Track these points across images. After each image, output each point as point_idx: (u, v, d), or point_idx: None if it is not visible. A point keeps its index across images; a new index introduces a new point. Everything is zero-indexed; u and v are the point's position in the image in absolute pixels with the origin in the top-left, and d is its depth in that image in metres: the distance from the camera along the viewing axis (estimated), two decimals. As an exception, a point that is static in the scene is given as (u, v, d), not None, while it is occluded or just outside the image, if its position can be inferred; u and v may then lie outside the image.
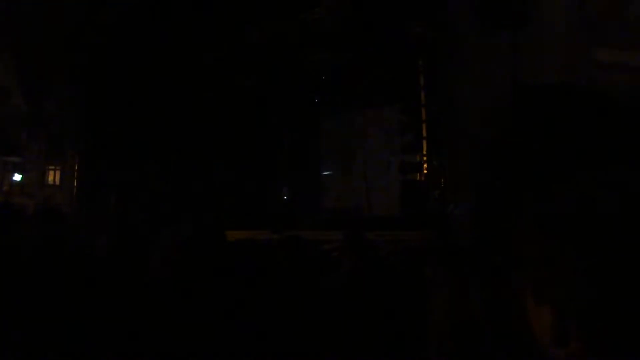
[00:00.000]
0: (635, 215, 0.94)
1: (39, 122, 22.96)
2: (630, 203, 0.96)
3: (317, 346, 3.08)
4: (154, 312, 3.14)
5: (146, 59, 17.89)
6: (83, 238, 3.99)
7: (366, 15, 15.54)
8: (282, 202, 20.99)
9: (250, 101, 21.18)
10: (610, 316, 0.92)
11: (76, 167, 20.73)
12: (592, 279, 0.93)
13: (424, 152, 15.52)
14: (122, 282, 3.43)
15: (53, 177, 24.31)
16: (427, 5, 14.39)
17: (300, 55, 19.27)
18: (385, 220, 17.74)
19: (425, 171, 15.57)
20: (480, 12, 9.76)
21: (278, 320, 3.18)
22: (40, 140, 23.79)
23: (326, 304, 3.58)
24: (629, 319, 0.91)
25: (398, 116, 17.29)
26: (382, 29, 15.75)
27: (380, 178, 22.91)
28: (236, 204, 20.52)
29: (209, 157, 21.34)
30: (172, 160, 20.81)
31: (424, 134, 15.39)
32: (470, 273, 3.98)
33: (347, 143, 24.76)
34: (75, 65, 19.47)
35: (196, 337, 3.00)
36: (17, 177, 24.48)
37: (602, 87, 7.52)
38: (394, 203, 19.57)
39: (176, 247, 4.10)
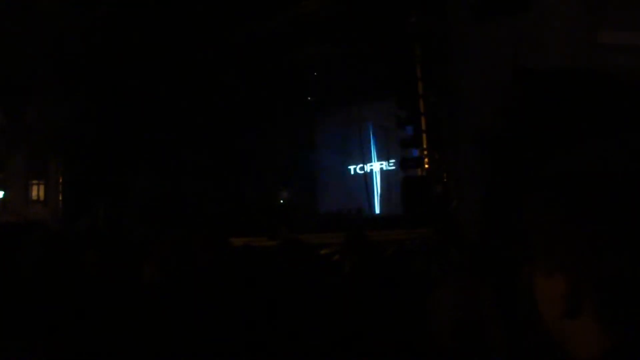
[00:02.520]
0: None
1: (20, 135, 22.92)
2: None
3: (319, 348, 3.13)
4: (152, 320, 3.20)
5: (132, 66, 17.89)
6: (72, 253, 4.02)
7: (359, 5, 15.54)
8: (278, 206, 21.00)
9: (241, 101, 21.19)
10: (625, 285, 0.95)
11: (61, 181, 20.71)
12: (608, 244, 0.96)
13: (424, 147, 15.47)
14: (115, 293, 3.48)
15: (37, 192, 24.27)
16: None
17: (292, 50, 19.29)
18: (387, 219, 17.79)
19: (426, 166, 15.54)
20: (477, -3, 9.80)
21: (279, 324, 3.23)
22: (21, 154, 23.75)
23: (328, 306, 3.62)
24: None
25: (396, 110, 17.26)
26: (376, 19, 15.76)
27: (380, 175, 22.98)
28: (230, 210, 20.53)
29: (199, 163, 21.34)
30: (162, 168, 20.82)
31: (424, 127, 15.33)
32: (474, 270, 4.03)
33: (344, 140, 24.79)
34: (57, 74, 19.47)
35: (196, 344, 3.06)
36: (0, 193, 24.45)
37: (605, 69, 7.56)
38: (395, 200, 19.61)
39: (172, 254, 4.16)
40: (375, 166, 23.38)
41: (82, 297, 3.22)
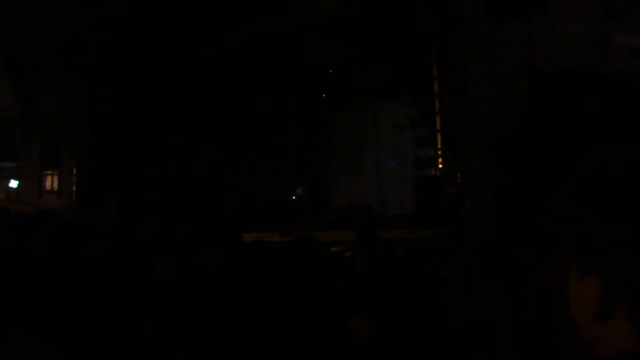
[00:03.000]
0: None
1: (34, 125, 23.02)
2: None
3: (330, 344, 3.17)
4: (162, 312, 3.25)
5: (146, 57, 17.96)
6: (80, 244, 4.07)
7: (375, 4, 15.54)
8: (290, 202, 21.01)
9: (256, 98, 21.21)
10: None
11: (75, 172, 20.81)
12: None
13: (439, 146, 15.45)
14: (125, 283, 3.52)
15: (51, 182, 24.37)
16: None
17: (308, 48, 19.30)
18: (399, 218, 17.77)
19: (440, 166, 15.52)
20: (493, -2, 9.81)
21: (289, 320, 3.27)
22: (35, 144, 23.85)
23: (339, 303, 3.66)
24: None
25: (410, 109, 17.23)
26: (391, 18, 15.75)
27: (393, 174, 22.95)
28: (242, 205, 20.57)
29: (213, 156, 21.40)
30: (176, 161, 20.89)
31: (438, 127, 15.31)
32: (484, 271, 4.06)
33: (357, 139, 24.79)
34: (71, 64, 19.57)
35: (204, 338, 3.10)
36: (13, 183, 24.55)
37: (620, 73, 7.56)
38: (408, 200, 19.59)
39: (184, 249, 4.21)
40: (388, 165, 23.35)
41: (89, 287, 3.27)
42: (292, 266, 4.22)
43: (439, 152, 15.48)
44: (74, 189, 20.85)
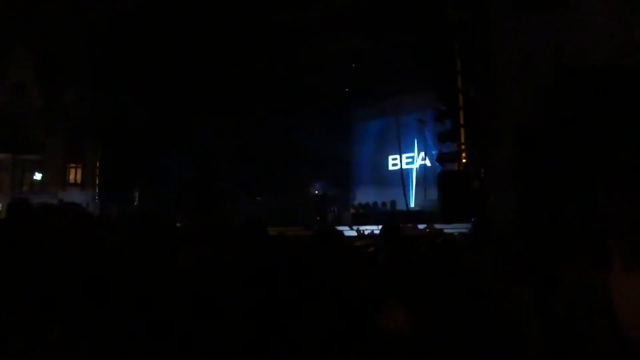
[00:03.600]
0: None
1: (58, 118, 23.21)
2: None
3: (355, 339, 3.18)
4: (186, 306, 3.26)
5: (170, 51, 18.03)
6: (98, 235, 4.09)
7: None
8: (315, 197, 21.02)
9: (278, 92, 21.23)
10: None
11: (98, 165, 20.98)
12: None
13: (462, 141, 15.36)
14: (149, 276, 3.54)
15: (74, 175, 24.57)
16: (462, -16, 14.33)
17: (330, 40, 19.28)
18: (422, 213, 17.74)
19: (464, 161, 15.44)
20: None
21: (316, 314, 3.28)
22: (59, 137, 24.04)
23: (364, 298, 3.67)
24: None
25: (434, 103, 17.17)
26: (415, 10, 15.69)
27: (416, 169, 22.91)
28: (265, 199, 20.64)
29: (236, 151, 21.48)
30: (198, 154, 20.98)
31: (462, 121, 15.22)
32: (511, 266, 4.05)
33: (380, 133, 24.76)
34: (96, 58, 19.69)
35: (234, 331, 3.12)
36: (38, 175, 24.78)
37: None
38: (430, 195, 19.55)
39: (207, 243, 4.23)
40: (412, 160, 23.32)
41: (105, 279, 3.29)
42: (315, 258, 4.23)
43: (463, 147, 15.38)
44: (97, 182, 21.00)
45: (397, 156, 22.76)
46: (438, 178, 16.17)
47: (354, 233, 12.78)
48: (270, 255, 4.12)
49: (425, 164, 21.81)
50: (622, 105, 6.72)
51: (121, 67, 18.77)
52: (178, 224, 6.25)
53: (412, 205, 21.69)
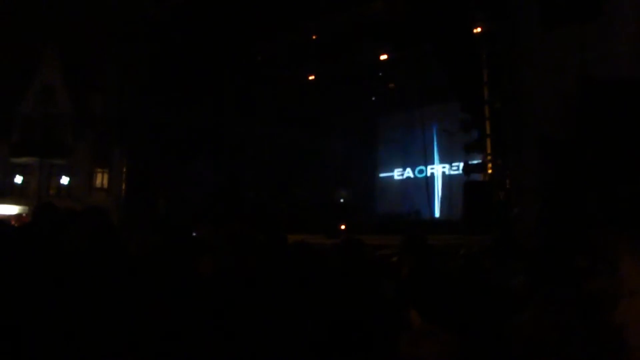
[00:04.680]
0: None
1: (86, 123, 23.42)
2: None
3: (374, 348, 3.18)
4: (201, 313, 3.28)
5: (201, 57, 18.13)
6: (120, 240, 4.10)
7: (425, 7, 15.46)
8: (338, 205, 21.02)
9: (305, 102, 21.29)
10: None
11: (125, 170, 21.12)
12: None
13: (488, 152, 15.30)
14: (169, 282, 3.56)
15: (101, 180, 24.76)
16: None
17: (357, 50, 19.31)
18: (447, 223, 17.68)
19: (489, 171, 15.38)
20: (546, 2, 9.68)
21: (335, 323, 3.29)
22: (87, 142, 24.26)
23: (384, 308, 3.66)
24: None
25: (460, 113, 17.12)
26: (441, 21, 15.66)
27: (441, 179, 22.84)
28: (289, 206, 20.67)
29: (261, 159, 21.55)
30: (225, 162, 21.08)
31: (488, 132, 15.17)
32: (540, 278, 4.00)
33: (405, 142, 24.71)
34: (124, 62, 19.85)
35: (253, 335, 3.14)
36: (65, 180, 24.99)
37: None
38: (455, 205, 19.47)
39: (230, 250, 4.25)
40: (437, 169, 23.27)
41: (124, 285, 3.30)
42: (337, 268, 4.23)
43: (489, 158, 15.32)
44: (124, 187, 21.13)
45: (423, 165, 22.75)
46: (463, 188, 16.13)
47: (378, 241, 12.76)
48: (291, 266, 4.12)
49: (450, 174, 21.77)
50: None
51: (150, 72, 18.89)
52: (194, 233, 6.24)
53: (437, 214, 21.64)
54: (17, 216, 23.26)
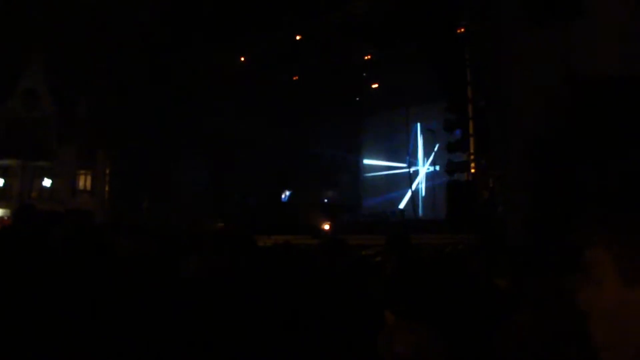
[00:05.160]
0: None
1: (70, 126, 23.26)
2: None
3: (358, 349, 3.13)
4: (190, 315, 3.23)
5: (181, 60, 18.05)
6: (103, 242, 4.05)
7: (410, 8, 15.44)
8: (323, 205, 20.98)
9: (288, 100, 21.25)
10: None
11: (108, 172, 20.99)
12: None
13: (472, 151, 15.29)
14: (155, 284, 3.50)
15: (84, 182, 24.59)
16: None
17: (341, 50, 19.28)
18: (430, 222, 17.69)
19: (472, 170, 15.38)
20: (530, 1, 9.67)
21: (319, 324, 3.24)
22: (70, 145, 24.08)
23: (369, 307, 3.61)
24: None
25: (444, 113, 17.11)
26: (425, 21, 15.65)
27: (425, 178, 22.85)
28: (273, 208, 20.62)
29: (246, 159, 21.48)
30: (208, 163, 21.00)
31: (471, 131, 15.16)
32: (523, 276, 3.97)
33: (390, 142, 24.71)
34: (107, 68, 19.74)
35: (237, 338, 3.08)
36: (47, 182, 24.80)
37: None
38: (439, 204, 19.49)
39: (213, 250, 4.19)
40: (422, 169, 23.29)
41: (109, 287, 3.25)
42: (321, 268, 4.18)
43: (472, 157, 15.32)
44: (107, 189, 21.00)
45: (407, 165, 22.74)
46: (446, 187, 16.14)
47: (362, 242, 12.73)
48: (276, 267, 4.07)
49: (434, 173, 21.79)
50: (635, 115, 6.66)
51: (135, 74, 18.80)
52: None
53: (421, 214, 21.66)
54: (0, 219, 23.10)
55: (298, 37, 18.40)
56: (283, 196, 20.96)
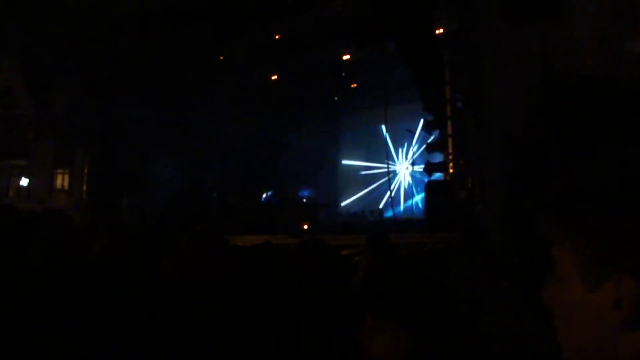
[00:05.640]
0: None
1: (47, 124, 23.05)
2: None
3: (338, 349, 3.13)
4: (167, 316, 3.20)
5: (160, 58, 17.97)
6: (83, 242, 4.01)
7: (387, 7, 15.45)
8: (301, 204, 20.98)
9: (268, 99, 21.24)
10: None
11: (86, 171, 20.82)
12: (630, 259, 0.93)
13: (450, 151, 15.36)
14: (133, 284, 3.48)
15: (62, 181, 24.37)
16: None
17: (319, 49, 19.30)
18: (409, 221, 17.74)
19: (451, 170, 15.45)
20: (507, 0, 9.71)
21: (298, 324, 3.23)
22: (48, 143, 23.87)
23: (348, 307, 3.61)
24: None
25: (422, 114, 17.18)
26: (403, 21, 15.67)
27: (404, 178, 22.92)
28: (252, 207, 20.59)
29: (225, 158, 21.43)
30: (187, 161, 20.94)
31: (450, 131, 15.22)
32: (500, 274, 4.00)
33: (368, 142, 24.78)
34: (85, 65, 19.60)
35: (211, 342, 3.06)
36: (24, 181, 24.56)
37: (634, 78, 7.49)
38: (417, 203, 19.56)
39: (193, 250, 4.17)
40: (400, 168, 23.36)
41: (89, 288, 3.22)
42: (299, 269, 4.17)
43: (450, 157, 15.38)
44: (85, 188, 20.84)
45: (385, 165, 22.78)
46: (425, 187, 16.19)
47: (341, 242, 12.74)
48: (255, 267, 4.06)
49: (412, 173, 21.86)
50: (611, 115, 6.71)
51: (112, 71, 18.69)
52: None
53: (399, 213, 21.71)
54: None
55: (277, 37, 18.40)
56: (264, 196, 20.93)
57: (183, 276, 3.80)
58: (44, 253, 3.47)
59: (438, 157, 16.77)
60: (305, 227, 17.52)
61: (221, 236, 4.67)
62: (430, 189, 15.68)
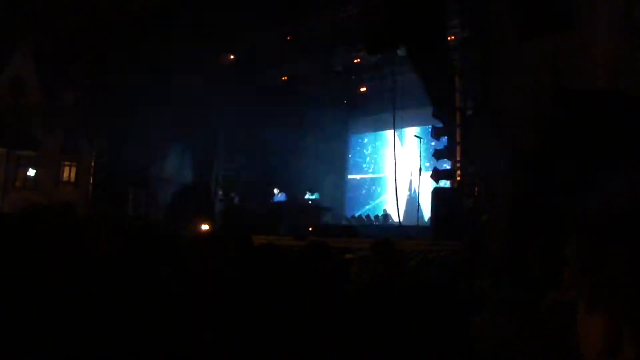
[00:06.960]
0: None
1: (56, 115, 23.06)
2: None
3: (339, 353, 3.10)
4: (167, 316, 3.18)
5: (170, 52, 17.96)
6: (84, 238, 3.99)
7: (399, 13, 15.42)
8: (306, 207, 20.92)
9: (276, 99, 21.24)
10: None
11: (93, 164, 20.83)
12: None
13: (458, 159, 15.31)
14: (139, 280, 3.46)
15: (68, 173, 24.38)
16: (464, 4, 14.31)
17: (329, 53, 19.31)
18: (415, 228, 17.68)
19: (458, 178, 15.39)
20: (520, 12, 9.69)
21: (301, 327, 3.21)
22: (56, 134, 23.88)
23: (350, 311, 3.59)
24: None
25: (431, 120, 17.12)
26: (415, 28, 15.64)
27: (411, 184, 22.87)
28: (258, 208, 20.59)
29: (232, 157, 21.44)
30: (194, 156, 20.96)
31: (458, 139, 15.18)
32: (504, 284, 3.96)
33: (376, 147, 24.74)
34: (94, 56, 19.62)
35: (216, 340, 3.05)
36: (31, 172, 24.59)
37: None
38: (424, 210, 19.51)
39: (198, 252, 4.15)
40: (407, 175, 23.28)
41: (90, 284, 3.21)
42: (303, 271, 4.15)
43: (458, 165, 15.33)
44: (91, 181, 20.84)
45: (393, 170, 22.73)
46: (432, 194, 16.12)
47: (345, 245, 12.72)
48: (258, 268, 4.03)
49: (420, 180, 21.81)
50: (622, 129, 6.67)
51: (123, 64, 18.69)
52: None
53: (406, 220, 21.65)
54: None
55: (288, 38, 18.41)
56: (275, 195, 20.89)
57: (184, 277, 3.79)
58: (48, 245, 3.46)
59: (446, 164, 16.71)
60: (310, 229, 17.49)
61: (230, 237, 4.65)
62: (437, 196, 15.62)
